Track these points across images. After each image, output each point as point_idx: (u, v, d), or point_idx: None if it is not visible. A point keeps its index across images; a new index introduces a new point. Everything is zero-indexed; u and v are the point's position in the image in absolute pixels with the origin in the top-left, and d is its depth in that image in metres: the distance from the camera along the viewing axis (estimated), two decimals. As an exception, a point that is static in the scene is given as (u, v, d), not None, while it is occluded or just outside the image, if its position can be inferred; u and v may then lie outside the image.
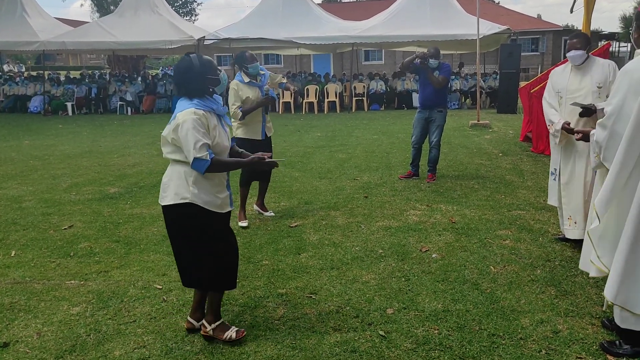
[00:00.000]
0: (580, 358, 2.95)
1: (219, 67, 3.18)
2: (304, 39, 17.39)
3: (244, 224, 5.40)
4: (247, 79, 5.32)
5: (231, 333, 3.19)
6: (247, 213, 5.65)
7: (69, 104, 18.95)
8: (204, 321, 3.24)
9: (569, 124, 4.34)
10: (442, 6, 17.63)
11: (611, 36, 33.78)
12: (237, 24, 18.78)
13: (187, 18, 39.37)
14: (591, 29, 10.56)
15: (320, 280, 4.09)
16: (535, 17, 37.98)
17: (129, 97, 19.28)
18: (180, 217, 3.07)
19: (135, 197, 6.76)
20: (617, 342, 2.97)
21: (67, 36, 18.66)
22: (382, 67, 29.73)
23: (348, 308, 3.61)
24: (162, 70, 35.00)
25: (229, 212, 3.27)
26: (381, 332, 3.27)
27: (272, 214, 5.78)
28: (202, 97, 3.05)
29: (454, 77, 19.70)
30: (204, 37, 17.64)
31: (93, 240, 5.10)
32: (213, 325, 3.20)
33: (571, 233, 4.51)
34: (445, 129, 7.79)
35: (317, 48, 19.79)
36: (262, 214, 5.76)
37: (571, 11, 10.26)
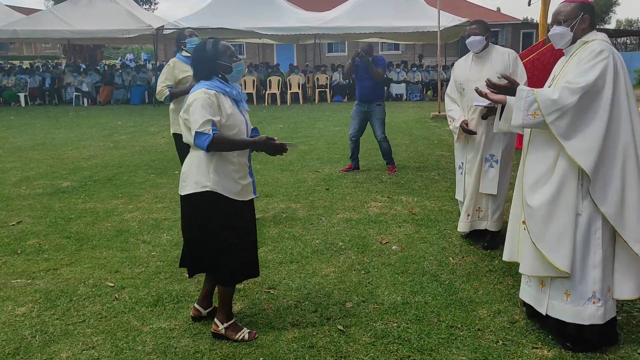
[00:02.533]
0: (536, 348, 2.97)
1: (238, 58, 3.09)
2: (266, 30, 17.21)
3: None
4: (186, 54, 4.83)
5: (244, 334, 3.09)
6: None
7: (21, 95, 18.26)
8: (215, 320, 3.11)
9: (467, 123, 4.30)
10: (404, -2, 17.70)
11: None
12: (197, 13, 18.41)
13: (146, 7, 38.50)
14: (549, 21, 10.71)
15: (279, 274, 4.01)
16: (495, 10, 38.54)
17: (85, 88, 18.70)
18: (200, 206, 2.96)
19: (89, 191, 6.53)
20: (580, 340, 2.98)
21: (19, 24, 17.96)
22: (345, 59, 29.65)
23: (307, 302, 3.55)
24: (120, 60, 34.14)
25: (252, 200, 3.16)
26: (340, 327, 3.22)
27: None
28: (210, 78, 2.98)
29: (415, 69, 19.86)
30: (163, 26, 17.21)
31: (42, 237, 4.89)
32: (225, 325, 3.09)
33: (463, 225, 4.49)
34: (407, 121, 7.83)
35: (279, 39, 19.63)
36: None
37: (529, 4, 10.43)
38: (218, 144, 2.86)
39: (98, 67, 21.85)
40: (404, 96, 18.96)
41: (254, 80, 18.28)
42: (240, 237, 3.05)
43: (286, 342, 3.07)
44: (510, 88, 2.93)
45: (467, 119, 4.34)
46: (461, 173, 4.54)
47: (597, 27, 3.06)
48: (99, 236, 4.90)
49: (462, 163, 4.50)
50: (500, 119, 3.19)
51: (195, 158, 2.96)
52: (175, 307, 3.50)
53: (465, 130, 4.30)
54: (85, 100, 18.52)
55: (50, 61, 28.61)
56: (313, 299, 3.59)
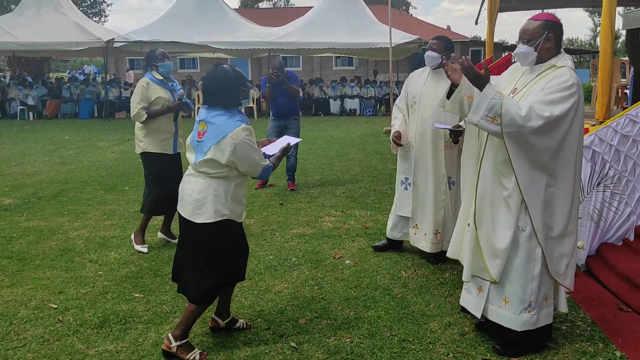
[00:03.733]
0: (486, 359, 3.02)
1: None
2: (220, 44, 17.10)
3: (144, 249, 4.76)
4: (159, 77, 4.71)
5: (195, 355, 3.02)
6: (166, 245, 5.09)
7: (-39, 108, 17.47)
8: (169, 335, 3.05)
9: (399, 136, 4.35)
10: (357, 15, 17.99)
11: (514, 47, 35.93)
12: (149, 26, 18.10)
13: (96, 19, 37.65)
14: (496, 40, 11.13)
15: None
16: (445, 28, 39.64)
17: (30, 102, 18.05)
18: (215, 233, 3.01)
19: (33, 209, 6.28)
20: (509, 344, 3.07)
21: (-40, 35, 17.18)
22: (300, 74, 29.69)
23: (259, 320, 3.51)
24: (69, 73, 33.21)
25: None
26: (292, 344, 3.19)
27: None
28: (235, 107, 3.04)
29: (368, 85, 20.17)
30: (113, 39, 16.86)
31: (-19, 257, 4.65)
32: (178, 343, 3.02)
33: (424, 245, 4.41)
34: (361, 136, 7.89)
35: (233, 53, 19.53)
36: (170, 241, 4.98)
37: (476, 23, 10.79)
38: (272, 169, 3.15)
39: (45, 80, 21.16)
40: (358, 111, 19.19)
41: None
42: (236, 256, 3.17)
43: (238, 361, 3.02)
44: (483, 78, 2.81)
45: (415, 133, 4.33)
46: (405, 189, 4.51)
47: None
48: (42, 255, 4.71)
49: (407, 178, 4.48)
50: (448, 99, 3.15)
51: (212, 186, 2.99)
52: (122, 329, 3.39)
53: (396, 142, 4.37)
54: (31, 114, 17.87)
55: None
56: (266, 316, 3.55)
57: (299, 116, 7.25)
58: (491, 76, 2.88)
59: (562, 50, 2.93)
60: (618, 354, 3.04)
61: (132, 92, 19.68)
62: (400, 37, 16.64)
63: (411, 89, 4.42)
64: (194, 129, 3.07)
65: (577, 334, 3.29)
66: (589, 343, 3.17)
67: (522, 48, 2.92)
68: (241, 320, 3.41)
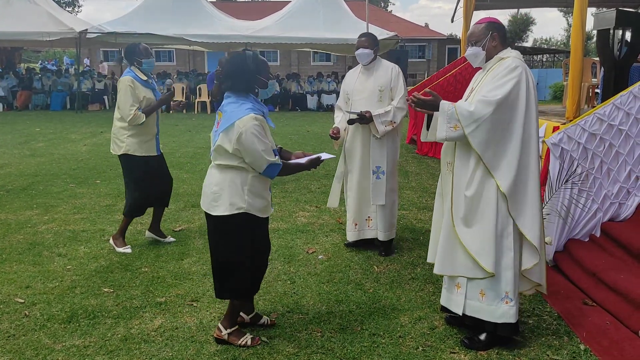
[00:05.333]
0: (454, 353, 3.06)
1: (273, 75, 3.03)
2: (195, 37, 16.92)
3: (128, 249, 4.59)
4: (143, 77, 4.48)
5: (247, 339, 3.10)
6: (137, 240, 4.97)
7: None
8: (219, 324, 3.13)
9: (335, 131, 4.48)
10: (334, 10, 17.97)
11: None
12: (124, 17, 17.80)
13: (70, 9, 36.92)
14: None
15: (203, 286, 3.93)
16: (423, 25, 39.92)
17: (0, 92, 17.63)
18: (232, 226, 2.97)
19: (1, 202, 6.14)
20: (475, 337, 3.12)
21: None
22: (277, 69, 29.70)
23: (231, 314, 3.49)
24: (41, 63, 32.50)
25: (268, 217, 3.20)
26: (264, 338, 3.18)
27: (173, 239, 4.88)
28: (247, 95, 2.96)
29: (329, 80, 20.20)
30: (86, 30, 16.55)
31: (-55, 251, 4.54)
32: (229, 330, 3.10)
33: (352, 235, 4.62)
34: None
35: (209, 46, 19.35)
36: (160, 240, 4.84)
37: (452, 20, 10.88)
38: (284, 172, 2.99)
39: (16, 71, 20.67)
40: (335, 107, 19.21)
41: (183, 88, 17.94)
42: (260, 253, 3.14)
43: (208, 355, 3.00)
44: (433, 102, 3.00)
45: (349, 127, 4.48)
46: (339, 182, 4.67)
47: (517, 44, 3.26)
48: (9, 249, 4.61)
49: (342, 172, 4.63)
50: (427, 130, 3.27)
51: (228, 177, 2.94)
52: (90, 323, 3.34)
53: (333, 137, 4.50)
54: (1, 105, 17.45)
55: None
56: (237, 311, 3.53)
57: None
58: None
59: (508, 46, 3.10)
60: (582, 347, 3.11)
61: (105, 84, 19.45)
62: (377, 33, 16.62)
63: (346, 87, 4.59)
64: (215, 122, 3.06)
65: (544, 327, 3.35)
66: (554, 337, 3.24)
67: (471, 50, 3.10)
68: (265, 317, 3.39)
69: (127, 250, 4.60)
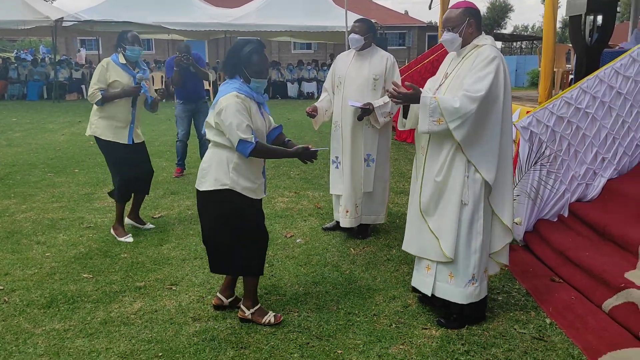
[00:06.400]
0: (426, 329, 3.17)
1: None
2: (174, 25, 16.78)
3: (129, 238, 4.59)
4: (123, 61, 4.48)
5: (270, 317, 3.21)
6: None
7: None
8: (242, 306, 3.23)
9: (313, 109, 4.48)
10: (314, -2, 17.96)
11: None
12: (101, 5, 17.58)
13: (45, -3, 36.14)
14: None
15: (182, 270, 3.99)
16: (403, 13, 39.93)
17: (-25, 82, 17.34)
18: (217, 203, 3.05)
19: (-22, 192, 6.11)
20: (451, 317, 3.23)
21: None
22: (257, 57, 29.50)
23: (210, 297, 3.56)
24: (16, 53, 31.90)
25: (261, 199, 3.24)
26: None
27: (152, 226, 4.93)
28: (241, 78, 3.04)
29: (326, 68, 20.20)
30: (62, 18, 16.30)
31: None
32: (252, 310, 3.21)
33: (345, 222, 4.59)
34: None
35: (189, 34, 19.19)
36: (139, 227, 4.88)
37: (429, 7, 10.95)
38: (259, 152, 2.98)
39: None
40: (315, 94, 19.24)
41: (162, 77, 17.77)
42: (254, 231, 3.18)
43: (187, 336, 3.07)
44: (414, 95, 2.99)
45: (340, 113, 4.49)
46: (336, 167, 4.65)
47: (495, 31, 3.32)
48: (-13, 238, 4.62)
49: (337, 157, 4.62)
50: (405, 118, 3.32)
51: (216, 154, 3.04)
52: (70, 308, 3.39)
53: (309, 114, 4.52)
54: (-24, 95, 17.20)
55: None
56: (216, 294, 3.60)
57: (207, 99, 7.11)
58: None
59: (482, 32, 3.13)
60: (548, 321, 3.25)
61: (83, 74, 19.18)
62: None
63: (337, 71, 4.55)
64: None
65: (512, 303, 3.48)
66: (522, 312, 3.37)
67: (447, 35, 3.11)
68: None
69: (128, 239, 4.59)
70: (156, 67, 20.36)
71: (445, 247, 3.08)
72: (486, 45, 3.02)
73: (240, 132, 2.89)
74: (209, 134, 3.08)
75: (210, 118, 3.03)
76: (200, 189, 3.08)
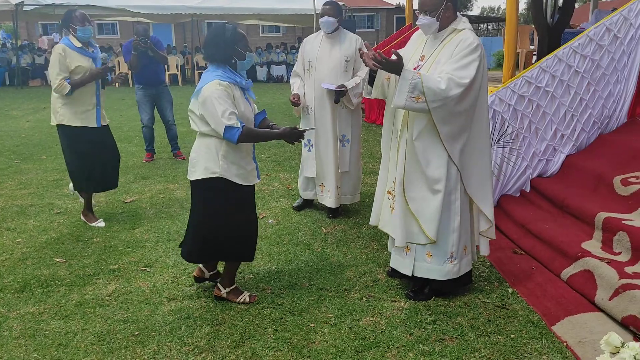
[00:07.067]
0: (395, 301, 3.30)
1: (251, 49, 3.16)
2: (139, 8, 16.44)
3: (101, 223, 4.58)
4: (78, 44, 4.31)
5: (245, 297, 3.29)
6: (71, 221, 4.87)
7: None
8: (218, 284, 3.31)
9: (296, 97, 4.53)
10: (282, -20, 17.80)
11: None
12: (63, -12, 17.08)
13: (3, -20, 34.87)
14: (416, 7, 11.39)
15: (156, 253, 4.03)
16: (371, -5, 39.82)
17: None
18: (209, 191, 3.07)
19: (-58, 180, 5.99)
20: (418, 290, 3.36)
21: None
22: (225, 40, 29.16)
23: (184, 277, 3.62)
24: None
25: (254, 185, 3.25)
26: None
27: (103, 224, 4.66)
28: (224, 65, 3.04)
29: (295, 51, 20.13)
30: (23, 1, 15.81)
31: None
32: (227, 289, 3.29)
33: (328, 201, 4.70)
34: (287, 102, 7.99)
35: (155, 18, 18.83)
36: (88, 224, 4.63)
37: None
38: (246, 137, 2.98)
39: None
40: (285, 78, 19.19)
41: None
42: (245, 218, 3.20)
43: (162, 315, 3.13)
44: (397, 65, 2.93)
45: (313, 96, 4.53)
46: (309, 150, 4.72)
47: (462, 13, 3.34)
48: (-46, 226, 4.56)
49: (309, 140, 4.68)
50: (372, 86, 3.31)
51: (204, 144, 3.05)
52: (44, 292, 3.41)
53: (292, 102, 4.57)
54: None
55: None
56: (190, 274, 3.66)
57: (167, 84, 7.09)
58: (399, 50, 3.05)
59: (458, 14, 3.13)
60: (510, 290, 3.41)
61: (46, 59, 18.73)
62: (324, 3, 16.65)
63: (307, 54, 4.59)
64: None
65: (477, 275, 3.64)
66: (486, 282, 3.53)
67: (424, 19, 3.06)
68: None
69: (100, 224, 4.57)
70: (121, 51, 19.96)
71: (429, 230, 3.15)
72: (466, 30, 3.01)
73: (224, 120, 2.90)
74: (195, 124, 3.07)
75: (195, 107, 3.01)
76: (192, 179, 3.11)
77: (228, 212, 3.12)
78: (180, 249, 3.37)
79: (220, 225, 3.12)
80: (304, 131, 3.20)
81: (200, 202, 3.15)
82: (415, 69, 3.08)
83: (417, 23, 3.18)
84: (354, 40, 4.48)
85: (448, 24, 3.07)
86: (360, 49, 3.21)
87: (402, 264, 3.37)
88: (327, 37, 4.52)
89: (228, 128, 2.91)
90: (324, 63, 4.46)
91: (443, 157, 3.06)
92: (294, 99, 4.56)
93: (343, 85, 4.36)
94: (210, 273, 3.47)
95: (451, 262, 3.22)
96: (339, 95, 4.38)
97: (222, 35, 3.03)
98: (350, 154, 4.66)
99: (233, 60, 3.09)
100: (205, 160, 3.04)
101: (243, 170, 3.11)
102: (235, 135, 2.93)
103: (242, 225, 3.19)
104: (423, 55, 3.15)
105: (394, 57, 2.96)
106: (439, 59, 3.01)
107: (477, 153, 3.11)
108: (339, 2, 4.69)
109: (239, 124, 2.93)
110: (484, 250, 3.41)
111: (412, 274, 3.31)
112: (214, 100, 2.90)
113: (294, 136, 3.16)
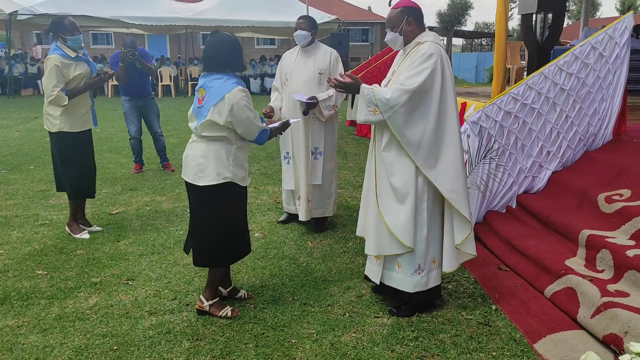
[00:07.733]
0: (378, 317, 3.28)
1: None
2: (133, 19, 16.50)
3: (85, 235, 4.57)
4: (72, 54, 4.31)
5: (227, 311, 3.27)
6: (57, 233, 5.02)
7: None
8: (201, 296, 3.28)
9: (269, 109, 4.54)
10: (276, -7, 17.94)
11: (430, 29, 37.07)
12: (57, -2, 17.12)
13: (-1, -11, 34.93)
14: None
15: (139, 266, 4.00)
16: (366, 9, 40.21)
17: None
18: (218, 195, 3.11)
19: None
20: (401, 306, 3.35)
21: None
22: (220, 52, 29.24)
23: (166, 291, 3.59)
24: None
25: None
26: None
27: (99, 228, 4.79)
28: (232, 73, 3.12)
29: (272, 63, 20.22)
30: (17, 11, 15.84)
31: None
32: (210, 302, 3.26)
33: (300, 214, 4.69)
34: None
35: (149, 29, 18.91)
36: (91, 231, 4.71)
37: (389, 5, 11.08)
38: (270, 136, 3.23)
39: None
40: (279, 90, 19.25)
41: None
42: (241, 220, 3.29)
43: (142, 329, 3.10)
44: (354, 85, 3.13)
45: (287, 108, 4.55)
46: (287, 163, 4.73)
47: (456, 28, 3.39)
48: (-63, 237, 4.51)
49: (287, 153, 4.70)
50: (352, 108, 3.36)
51: (213, 149, 3.08)
52: (24, 305, 3.37)
53: (266, 114, 4.55)
54: None
55: None
56: (173, 287, 3.64)
57: (153, 95, 7.09)
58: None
59: (425, 28, 3.23)
60: (493, 307, 3.40)
61: (39, 68, 18.70)
62: (319, 17, 16.77)
63: (284, 68, 4.64)
64: (194, 99, 3.19)
65: (461, 291, 3.63)
66: (470, 299, 3.52)
67: (389, 35, 3.23)
68: (243, 291, 3.54)
69: (85, 235, 4.56)
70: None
71: (405, 239, 3.14)
72: (427, 42, 3.10)
73: (258, 123, 3.09)
74: (206, 131, 3.08)
75: (215, 117, 3.01)
76: (200, 184, 3.10)
77: (233, 214, 3.21)
78: (184, 250, 3.45)
79: (231, 226, 3.20)
80: (288, 121, 3.52)
81: (210, 207, 3.16)
82: (387, 84, 3.23)
83: (385, 40, 3.35)
84: (329, 54, 4.53)
85: (412, 38, 3.18)
86: (328, 78, 3.42)
87: (372, 271, 3.41)
88: (303, 51, 4.57)
89: (263, 132, 3.13)
90: (298, 76, 4.50)
91: (409, 167, 3.10)
92: (265, 111, 4.57)
93: (314, 97, 4.37)
94: (228, 290, 3.48)
95: (419, 273, 3.22)
96: (308, 107, 4.40)
97: (227, 44, 3.12)
98: (324, 166, 4.63)
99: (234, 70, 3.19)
100: (215, 166, 3.07)
101: (245, 172, 3.22)
102: (266, 137, 3.18)
103: (244, 226, 3.31)
104: (393, 71, 3.29)
105: (348, 79, 3.17)
106: (402, 71, 3.13)
107: (448, 157, 3.11)
108: (312, 16, 4.75)
109: (265, 125, 3.18)
110: (447, 266, 3.24)
111: (381, 282, 3.34)
112: (244, 107, 3.01)
113: (285, 127, 3.48)
